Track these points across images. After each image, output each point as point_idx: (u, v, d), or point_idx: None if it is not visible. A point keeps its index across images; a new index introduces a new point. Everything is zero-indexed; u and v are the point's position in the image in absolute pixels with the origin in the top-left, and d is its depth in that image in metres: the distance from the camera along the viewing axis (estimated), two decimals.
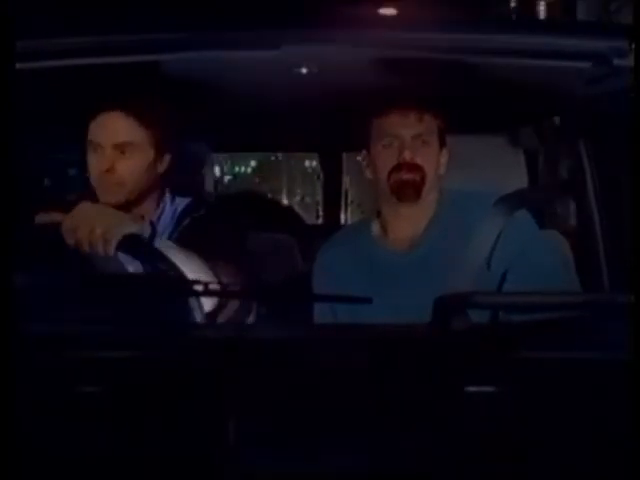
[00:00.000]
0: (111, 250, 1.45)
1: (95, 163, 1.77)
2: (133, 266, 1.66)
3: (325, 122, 2.44)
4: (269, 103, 2.07)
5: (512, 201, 1.84)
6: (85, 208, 1.54)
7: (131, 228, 1.50)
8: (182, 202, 1.88)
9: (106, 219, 1.50)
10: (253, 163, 12.96)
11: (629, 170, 1.33)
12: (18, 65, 1.31)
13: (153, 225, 1.83)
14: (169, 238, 1.79)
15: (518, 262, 1.74)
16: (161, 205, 1.85)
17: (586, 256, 2.05)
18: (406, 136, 1.80)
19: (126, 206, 1.79)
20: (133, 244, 1.46)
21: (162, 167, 1.83)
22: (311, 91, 1.89)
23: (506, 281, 1.74)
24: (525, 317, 1.27)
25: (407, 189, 1.81)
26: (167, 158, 1.83)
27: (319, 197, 5.76)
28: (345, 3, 1.54)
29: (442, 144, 1.86)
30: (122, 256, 1.57)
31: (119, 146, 1.76)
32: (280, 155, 12.06)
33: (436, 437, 1.07)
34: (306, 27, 1.50)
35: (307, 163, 11.01)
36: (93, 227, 1.47)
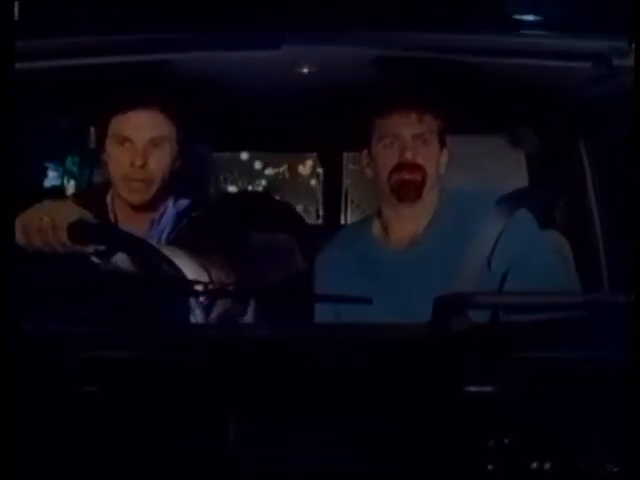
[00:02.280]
0: (62, 236, 1.42)
1: (126, 158, 1.75)
2: (132, 266, 1.66)
3: (325, 122, 2.44)
4: (269, 103, 2.08)
5: (512, 201, 1.84)
6: (33, 206, 1.52)
7: (80, 214, 1.47)
8: (183, 203, 1.88)
9: (54, 208, 1.47)
10: (264, 182, 13.52)
11: (629, 170, 1.33)
12: (29, 64, 1.31)
13: (154, 224, 1.83)
14: (168, 237, 1.80)
15: (519, 262, 1.74)
16: (164, 205, 1.85)
17: (586, 256, 2.05)
18: (407, 136, 1.80)
19: (148, 205, 1.79)
20: (84, 229, 1.43)
21: (177, 164, 1.83)
22: (311, 91, 1.89)
23: (507, 281, 1.74)
24: (525, 317, 1.27)
25: (408, 189, 1.81)
26: (180, 156, 1.84)
27: (319, 197, 5.76)
28: (345, 3, 1.53)
29: (442, 144, 1.86)
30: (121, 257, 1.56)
31: (153, 140, 1.75)
32: (287, 175, 12.59)
33: (436, 437, 1.07)
34: (306, 27, 1.50)
35: (313, 182, 11.38)
36: (41, 217, 1.44)
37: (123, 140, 1.76)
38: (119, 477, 1.02)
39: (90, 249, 1.43)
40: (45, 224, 1.43)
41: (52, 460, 1.03)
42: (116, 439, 1.05)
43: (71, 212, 1.46)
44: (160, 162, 1.77)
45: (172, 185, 1.85)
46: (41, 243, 1.44)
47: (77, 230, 1.42)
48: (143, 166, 1.74)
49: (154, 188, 1.77)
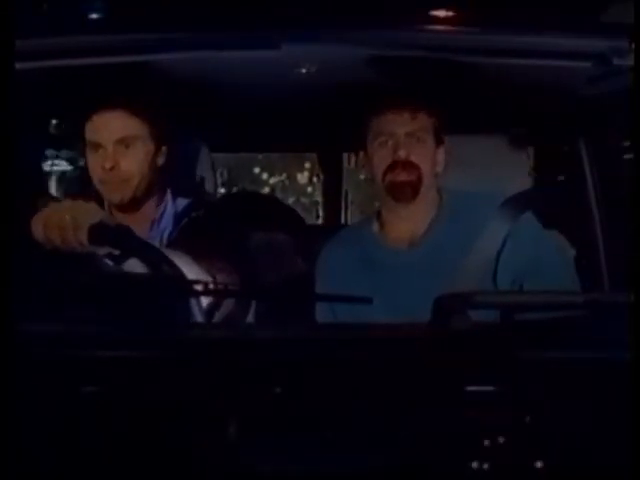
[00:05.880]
0: (83, 237, 1.40)
1: (98, 162, 1.76)
2: (131, 265, 1.66)
3: (325, 122, 2.44)
4: (269, 103, 2.07)
5: (514, 203, 1.84)
6: (54, 204, 1.50)
7: (101, 215, 1.46)
8: (183, 203, 1.89)
9: (76, 208, 1.46)
10: (264, 182, 13.58)
11: (629, 170, 1.33)
12: (18, 65, 1.31)
13: (154, 225, 1.83)
14: (169, 238, 1.80)
15: (532, 267, 1.73)
16: (162, 205, 1.86)
17: (586, 256, 2.05)
18: (400, 134, 1.79)
19: (132, 204, 1.80)
20: (104, 231, 1.42)
21: (161, 160, 1.84)
22: (311, 91, 1.89)
23: (519, 285, 1.73)
24: (525, 317, 1.27)
25: (403, 189, 1.80)
26: (164, 150, 1.84)
27: (319, 197, 5.76)
28: (344, 3, 1.54)
29: (438, 142, 1.85)
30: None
31: (122, 141, 1.76)
32: (287, 175, 12.67)
33: (436, 437, 1.07)
34: (306, 27, 1.50)
35: (313, 182, 11.50)
36: (63, 216, 1.42)
37: (96, 146, 1.77)
38: (119, 477, 1.02)
39: (102, 251, 1.43)
40: (67, 223, 1.41)
41: (52, 460, 1.03)
42: (116, 439, 1.05)
43: (93, 213, 1.45)
44: (134, 161, 1.77)
45: (164, 184, 1.86)
46: (60, 241, 1.42)
47: (97, 232, 1.41)
48: (113, 168, 1.75)
49: (132, 186, 1.78)
